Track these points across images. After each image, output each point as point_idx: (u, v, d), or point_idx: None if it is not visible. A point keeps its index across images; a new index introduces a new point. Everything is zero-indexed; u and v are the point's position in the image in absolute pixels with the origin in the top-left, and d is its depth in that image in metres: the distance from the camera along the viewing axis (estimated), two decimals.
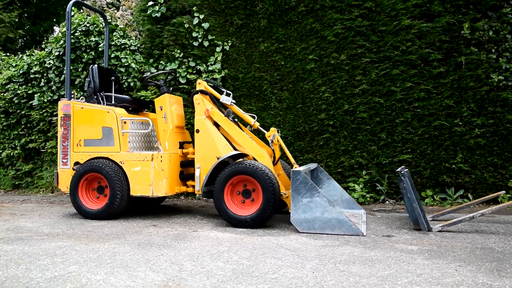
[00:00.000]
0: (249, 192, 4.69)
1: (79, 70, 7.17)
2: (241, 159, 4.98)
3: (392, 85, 6.15)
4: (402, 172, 4.45)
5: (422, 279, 2.84)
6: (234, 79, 6.64)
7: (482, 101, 6.01)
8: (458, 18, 5.99)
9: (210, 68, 6.63)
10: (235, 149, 4.95)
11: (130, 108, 5.53)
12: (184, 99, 6.73)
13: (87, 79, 5.59)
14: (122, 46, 7.08)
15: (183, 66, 6.78)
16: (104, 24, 6.30)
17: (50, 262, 3.19)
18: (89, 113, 5.21)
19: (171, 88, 5.97)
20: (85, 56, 7.07)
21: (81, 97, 5.41)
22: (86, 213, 5.01)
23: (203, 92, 5.19)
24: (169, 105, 5.30)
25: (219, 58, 6.62)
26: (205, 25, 6.67)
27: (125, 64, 6.99)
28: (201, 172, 5.01)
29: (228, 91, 5.28)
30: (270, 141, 5.03)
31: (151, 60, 7.05)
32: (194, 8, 6.72)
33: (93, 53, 7.06)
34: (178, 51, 6.79)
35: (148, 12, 6.89)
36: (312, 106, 6.41)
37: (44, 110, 7.41)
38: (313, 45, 6.37)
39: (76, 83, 7.18)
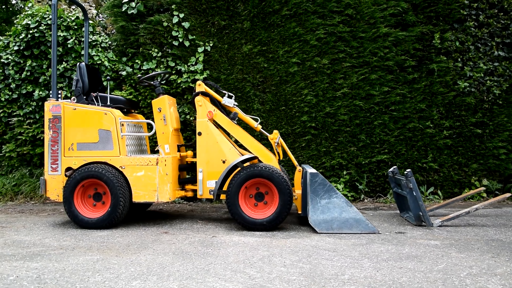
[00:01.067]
0: (262, 195, 4.68)
1: (44, 67, 6.59)
2: (248, 163, 4.95)
3: (371, 89, 6.49)
4: (408, 173, 4.74)
5: (476, 271, 3.09)
6: (216, 81, 6.55)
7: (449, 105, 6.57)
8: (429, 28, 6.48)
9: (192, 68, 6.47)
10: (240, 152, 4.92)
11: (125, 110, 5.23)
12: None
13: (74, 77, 5.19)
14: (93, 43, 6.64)
15: (161, 66, 6.54)
16: (84, 18, 5.84)
17: (102, 278, 2.95)
18: (83, 115, 4.84)
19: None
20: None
21: (73, 98, 5.00)
22: (84, 223, 4.65)
23: (204, 93, 5.08)
24: (168, 107, 5.10)
25: (200, 59, 6.49)
26: (186, 25, 6.49)
27: (98, 62, 6.57)
28: (204, 176, 4.91)
29: (230, 93, 5.22)
30: (275, 144, 5.06)
31: (124, 59, 6.70)
32: (173, 7, 6.51)
33: (60, 49, 6.53)
34: (156, 50, 6.54)
35: (124, 9, 6.54)
36: (295, 109, 6.54)
37: (1, 110, 6.70)
38: (296, 48, 6.50)
39: (40, 80, 6.59)
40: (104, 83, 6.19)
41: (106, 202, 4.74)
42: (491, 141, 6.58)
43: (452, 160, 6.62)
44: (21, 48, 6.56)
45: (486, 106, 6.57)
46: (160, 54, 6.54)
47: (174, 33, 6.48)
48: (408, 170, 4.78)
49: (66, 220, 5.17)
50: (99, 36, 6.75)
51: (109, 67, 6.62)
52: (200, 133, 4.96)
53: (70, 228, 4.71)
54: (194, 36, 6.52)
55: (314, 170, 4.66)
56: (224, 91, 5.22)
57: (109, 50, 6.76)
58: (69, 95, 6.54)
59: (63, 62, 6.56)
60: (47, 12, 6.60)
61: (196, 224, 4.95)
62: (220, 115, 5.03)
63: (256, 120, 5.19)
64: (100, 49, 6.64)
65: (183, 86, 6.49)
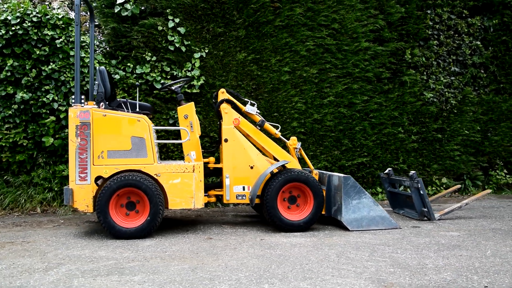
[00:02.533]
0: (294, 198, 4.98)
1: (27, 67, 6.10)
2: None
3: (353, 98, 7.10)
4: (412, 174, 5.38)
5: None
6: (211, 87, 6.65)
7: (417, 113, 7.45)
8: (402, 44, 7.29)
9: (189, 74, 6.49)
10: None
11: (151, 116, 5.14)
12: (157, 105, 6.45)
13: (95, 82, 4.96)
14: (82, 44, 6.32)
15: (156, 71, 6.46)
16: (89, 19, 5.55)
17: (229, 285, 3.05)
18: (114, 122, 4.68)
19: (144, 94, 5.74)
20: (37, 52, 6.06)
21: (102, 104, 4.78)
22: (122, 233, 4.51)
23: (228, 101, 5.22)
24: (195, 114, 5.15)
25: (197, 64, 6.53)
26: (181, 30, 6.49)
27: (88, 64, 6.27)
28: (231, 181, 5.06)
29: (253, 101, 5.42)
30: (297, 149, 5.37)
31: (113, 61, 6.48)
32: (168, 11, 6.47)
33: (46, 49, 6.09)
34: (150, 54, 6.44)
35: (116, 10, 6.33)
36: (286, 115, 6.90)
37: None
38: (287, 58, 6.86)
39: (22, 82, 6.08)
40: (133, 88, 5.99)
41: (141, 211, 4.65)
42: (448, 145, 7.59)
43: (418, 161, 7.51)
44: (0, 46, 6.01)
45: (445, 114, 7.57)
46: (154, 58, 6.45)
47: (170, 38, 6.44)
48: (413, 172, 5.42)
49: (84, 231, 4.94)
50: (89, 37, 6.43)
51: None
52: (226, 140, 5.10)
53: (103, 239, 4.54)
54: (189, 42, 6.55)
55: (341, 174, 5.09)
56: (245, 99, 5.41)
57: (97, 52, 6.47)
58: (56, 98, 6.15)
59: (50, 63, 6.14)
60: (30, 9, 6.12)
61: (225, 228, 5.06)
62: (245, 122, 5.22)
63: (276, 128, 5.45)
64: (89, 51, 6.34)
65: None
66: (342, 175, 4.97)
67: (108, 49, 6.56)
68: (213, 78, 6.66)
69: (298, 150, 5.39)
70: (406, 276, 3.21)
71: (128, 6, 6.30)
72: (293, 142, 5.42)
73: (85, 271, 3.41)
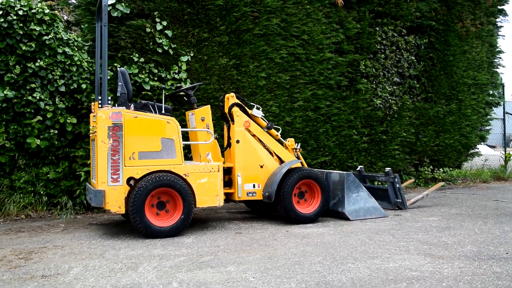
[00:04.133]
0: (302, 194, 5.53)
1: (10, 63, 5.71)
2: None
3: (318, 103, 7.86)
4: (388, 171, 6.27)
5: (499, 232, 4.78)
6: (195, 90, 6.87)
7: (367, 117, 8.47)
8: (357, 56, 8.25)
9: (177, 76, 6.65)
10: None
11: None
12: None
13: (119, 83, 4.95)
14: (68, 41, 6.10)
15: (144, 72, 6.51)
16: (96, 17, 5.40)
17: (322, 262, 3.50)
18: (145, 123, 4.77)
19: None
20: (22, 47, 5.72)
21: (131, 105, 4.78)
22: (157, 232, 4.63)
23: (238, 105, 5.59)
24: (210, 117, 5.41)
25: (183, 67, 6.71)
26: (169, 33, 6.62)
27: (78, 63, 6.09)
28: (242, 180, 5.45)
29: (258, 105, 5.83)
30: (296, 149, 5.93)
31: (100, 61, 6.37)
32: (156, 13, 6.56)
33: (33, 45, 5.78)
34: (137, 55, 6.46)
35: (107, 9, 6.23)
36: None
37: None
38: (264, 64, 7.37)
39: (5, 79, 5.68)
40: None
41: (171, 211, 4.82)
42: (390, 145, 8.75)
43: (367, 159, 8.54)
44: None
45: (388, 119, 8.72)
46: (142, 59, 6.48)
47: (158, 40, 6.53)
48: (389, 169, 6.34)
49: (102, 233, 4.92)
50: (76, 36, 6.22)
51: (87, 69, 6.20)
52: (238, 141, 5.47)
53: (136, 239, 4.62)
54: (176, 45, 6.71)
55: (339, 171, 5.77)
56: (251, 103, 5.82)
57: (83, 51, 6.30)
58: (42, 97, 5.87)
59: (38, 60, 5.84)
60: (13, 1, 5.75)
61: (239, 224, 5.43)
62: (254, 125, 5.63)
63: (277, 130, 5.91)
64: (75, 49, 6.15)
65: (166, 94, 6.60)
66: (342, 172, 5.66)
67: (92, 48, 6.40)
68: (198, 81, 6.89)
69: (297, 150, 5.96)
70: (443, 250, 3.98)
71: (119, 6, 6.25)
72: (291, 143, 5.97)
73: (172, 267, 3.59)
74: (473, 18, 9.67)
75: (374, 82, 8.51)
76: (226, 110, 5.60)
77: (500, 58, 10.23)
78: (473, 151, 10.12)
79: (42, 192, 5.93)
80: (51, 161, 6.16)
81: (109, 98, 4.82)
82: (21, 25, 5.72)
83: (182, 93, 5.66)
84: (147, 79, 6.46)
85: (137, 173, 4.70)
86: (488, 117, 10.24)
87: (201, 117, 5.37)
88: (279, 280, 3.22)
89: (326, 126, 7.96)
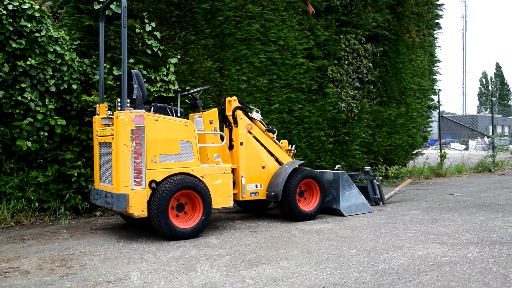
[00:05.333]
0: (302, 192, 5.86)
1: None
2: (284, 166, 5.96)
3: (292, 105, 8.25)
4: (368, 170, 6.83)
5: (479, 221, 5.48)
6: (182, 91, 6.91)
7: (333, 120, 9.02)
8: (325, 62, 8.75)
9: (165, 78, 6.64)
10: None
11: None
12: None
13: (134, 85, 4.88)
14: (56, 39, 5.84)
15: None
16: (122, 13, 5.19)
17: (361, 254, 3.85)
18: (165, 126, 4.78)
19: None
20: (12, 44, 5.39)
21: (152, 108, 4.74)
22: (180, 234, 4.68)
23: (241, 108, 5.78)
24: (217, 120, 5.54)
25: (172, 69, 6.72)
26: (158, 34, 6.59)
27: (69, 62, 5.86)
28: (246, 180, 5.67)
29: (257, 109, 6.05)
30: (291, 151, 6.25)
31: (86, 60, 6.18)
32: (145, 14, 6.50)
33: (23, 42, 5.46)
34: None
35: (97, 8, 6.06)
36: None
37: None
38: (245, 68, 7.58)
39: None
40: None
41: (190, 212, 4.90)
42: (352, 145, 9.39)
43: (332, 159, 9.10)
44: None
45: (350, 121, 9.35)
46: (132, 60, 6.39)
47: (148, 41, 6.48)
48: (368, 168, 6.89)
49: (118, 237, 4.86)
50: (66, 34, 5.96)
51: (78, 69, 5.99)
52: (242, 143, 5.67)
53: (159, 241, 4.64)
54: (164, 47, 6.70)
55: (333, 171, 6.18)
56: (251, 107, 6.02)
57: (72, 50, 6.06)
58: (33, 97, 5.58)
59: (29, 59, 5.54)
60: None
61: (245, 223, 5.62)
62: (255, 127, 5.85)
63: (273, 133, 6.15)
64: (65, 48, 5.91)
65: (155, 95, 6.57)
66: (337, 171, 6.08)
67: (80, 47, 6.18)
68: (184, 83, 6.93)
69: (292, 151, 6.28)
70: (449, 238, 4.53)
71: (112, 6, 6.11)
72: (285, 144, 6.29)
73: (227, 265, 3.72)
74: (417, 30, 10.68)
75: (339, 87, 9.09)
76: (229, 113, 5.75)
77: (438, 66, 11.38)
78: (418, 150, 11.16)
79: (32, 197, 5.63)
80: (39, 164, 5.86)
81: (119, 100, 4.76)
82: (11, 20, 5.40)
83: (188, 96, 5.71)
84: None
85: (159, 176, 4.71)
86: (429, 119, 11.35)
87: (209, 120, 5.48)
88: (339, 271, 3.51)
89: (299, 128, 8.36)
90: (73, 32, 6.25)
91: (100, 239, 4.78)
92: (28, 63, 5.50)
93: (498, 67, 70.04)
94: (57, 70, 5.79)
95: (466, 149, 24.17)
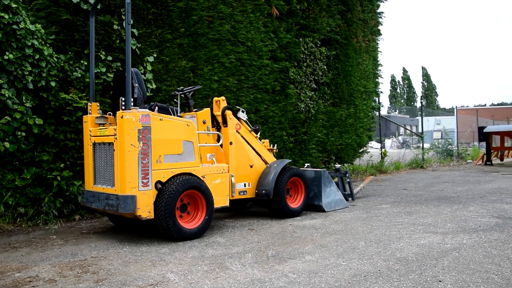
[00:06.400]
0: (288, 190, 6.06)
1: None
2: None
3: (259, 106, 8.42)
4: (339, 167, 7.22)
5: (447, 212, 6.06)
6: (158, 90, 6.79)
7: (293, 120, 9.34)
8: (287, 64, 9.03)
9: (143, 77, 6.48)
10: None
11: None
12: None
13: (135, 84, 4.73)
14: (35, 34, 5.47)
15: (111, 70, 6.21)
16: (125, 10, 4.64)
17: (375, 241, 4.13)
18: (169, 126, 4.72)
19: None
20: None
21: (156, 107, 4.61)
22: (187, 234, 4.65)
23: (229, 108, 5.85)
24: (210, 119, 5.55)
25: (149, 68, 6.59)
26: (135, 32, 6.43)
27: (47, 58, 5.51)
28: (235, 179, 5.76)
29: (243, 109, 6.13)
30: (274, 150, 6.43)
31: (62, 56, 5.86)
32: (122, 10, 6.31)
33: (0, 35, 5.05)
34: (104, 52, 6.14)
35: (76, 1, 5.77)
36: None
37: None
38: (216, 68, 7.62)
39: None
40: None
41: (193, 212, 4.89)
42: (309, 145, 9.78)
43: (292, 158, 9.40)
44: None
45: (308, 121, 9.73)
46: (110, 58, 6.17)
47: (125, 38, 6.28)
48: (339, 165, 7.28)
49: (119, 240, 4.72)
50: (41, 27, 5.57)
51: (56, 65, 5.65)
52: (231, 143, 5.74)
53: (166, 243, 4.58)
54: (140, 45, 6.54)
55: (314, 169, 6.46)
56: (237, 107, 6.10)
57: (47, 45, 5.70)
58: (10, 94, 5.18)
59: (6, 53, 5.13)
60: None
61: (238, 222, 5.70)
62: (242, 127, 5.95)
63: (257, 132, 6.25)
64: (42, 42, 5.56)
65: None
66: (318, 169, 6.36)
67: (56, 42, 5.83)
68: (160, 82, 6.81)
69: (274, 150, 6.46)
70: (435, 228, 4.98)
71: (92, 0, 5.85)
72: (267, 144, 6.45)
73: (257, 262, 3.81)
74: (363, 35, 11.36)
75: (298, 88, 9.43)
76: (217, 113, 5.78)
77: (380, 70, 12.20)
78: (364, 149, 11.87)
79: (10, 202, 5.23)
80: (14, 167, 5.46)
81: (126, 100, 4.62)
82: (2, 14, 4.98)
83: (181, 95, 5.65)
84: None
85: (164, 176, 4.64)
86: (373, 120, 12.12)
87: (202, 120, 5.47)
88: (365, 261, 3.76)
89: (264, 127, 8.55)
90: (48, 26, 5.87)
91: (100, 243, 4.60)
92: (5, 57, 5.10)
93: (404, 71, 75.92)
94: (35, 66, 5.44)
95: (383, 147, 25.89)
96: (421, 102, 14.35)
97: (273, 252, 4.13)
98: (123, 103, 4.52)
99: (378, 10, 12.30)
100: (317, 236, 4.77)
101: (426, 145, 17.44)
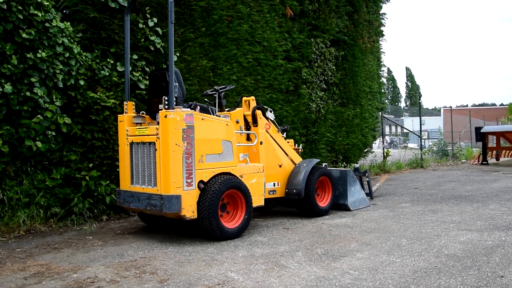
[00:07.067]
0: (316, 189, 6.09)
1: (7, 53, 4.80)
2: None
3: (274, 106, 8.44)
4: (358, 167, 7.29)
5: (469, 210, 6.17)
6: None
7: (305, 120, 9.38)
8: (300, 64, 9.08)
9: None
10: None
11: None
12: (138, 106, 6.19)
13: (175, 83, 4.70)
14: (62, 31, 5.39)
15: (137, 69, 6.16)
16: (169, 9, 4.57)
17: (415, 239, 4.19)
18: (210, 125, 4.70)
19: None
20: (22, 34, 4.87)
21: (197, 107, 4.59)
22: (228, 234, 4.64)
23: (259, 108, 5.86)
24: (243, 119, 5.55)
25: None
26: (159, 30, 6.39)
27: (77, 56, 5.44)
28: (265, 178, 5.77)
29: (271, 108, 6.14)
30: (299, 149, 6.46)
31: (89, 55, 5.79)
32: (147, 9, 6.26)
33: (32, 32, 4.95)
34: (129, 51, 6.08)
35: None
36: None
37: None
38: (235, 68, 7.62)
39: (2, 70, 4.75)
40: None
41: (232, 212, 4.89)
42: (319, 144, 9.84)
43: (302, 158, 9.43)
44: None
45: (318, 121, 9.79)
46: (136, 56, 6.12)
47: (151, 37, 6.25)
48: (357, 165, 7.35)
49: (158, 240, 4.69)
50: (70, 25, 5.49)
51: (84, 64, 5.58)
52: (261, 142, 5.75)
53: (206, 242, 4.57)
54: (164, 44, 6.50)
55: (342, 169, 6.51)
56: (265, 107, 6.12)
57: (76, 43, 5.62)
58: (41, 93, 5.10)
59: (39, 51, 5.04)
60: None
61: (269, 221, 5.71)
62: (272, 127, 5.97)
63: (284, 132, 6.28)
64: (72, 41, 5.48)
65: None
66: (344, 169, 6.42)
67: (83, 40, 5.75)
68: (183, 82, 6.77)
69: (299, 150, 6.49)
70: (467, 226, 5.08)
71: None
72: (292, 144, 6.48)
73: (312, 259, 3.84)
74: (368, 36, 11.48)
75: (310, 88, 9.48)
76: (247, 112, 5.78)
77: (383, 71, 12.34)
78: (368, 149, 11.99)
79: (42, 203, 5.15)
80: (44, 166, 5.37)
81: (169, 100, 4.59)
82: (20, 8, 4.89)
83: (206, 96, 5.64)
84: (141, 78, 6.13)
85: (206, 176, 4.63)
86: (377, 120, 12.26)
87: (236, 120, 5.47)
88: (417, 257, 3.82)
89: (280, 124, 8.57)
90: (75, 24, 5.80)
91: (141, 243, 4.56)
92: (38, 55, 5.02)
93: (389, 71, 76.62)
94: (65, 64, 5.36)
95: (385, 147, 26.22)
96: (419, 103, 14.45)
97: (321, 250, 4.16)
98: (166, 102, 4.49)
99: (381, 12, 12.44)
100: (355, 234, 4.82)
101: (418, 145, 17.70)
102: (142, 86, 6.13)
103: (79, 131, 5.64)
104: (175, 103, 4.53)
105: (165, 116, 4.40)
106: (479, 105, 78.40)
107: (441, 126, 27.70)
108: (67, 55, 5.35)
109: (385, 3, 12.47)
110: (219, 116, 5.05)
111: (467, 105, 76.07)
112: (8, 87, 4.77)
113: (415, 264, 3.65)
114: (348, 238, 4.63)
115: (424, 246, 4.22)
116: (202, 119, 4.66)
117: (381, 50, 12.40)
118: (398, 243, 4.35)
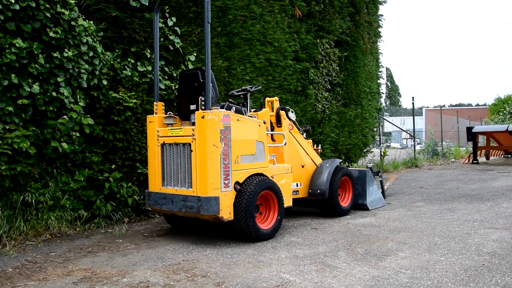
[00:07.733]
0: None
1: (35, 52, 4.68)
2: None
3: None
4: (371, 167, 7.36)
5: (484, 209, 6.31)
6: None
7: (311, 120, 9.42)
8: (307, 65, 9.11)
9: None
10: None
11: None
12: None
13: (210, 84, 4.65)
14: (85, 30, 5.28)
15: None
16: (205, 8, 4.50)
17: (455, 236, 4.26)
18: (244, 126, 4.68)
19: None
20: (50, 33, 4.76)
21: (233, 108, 4.55)
22: (263, 235, 4.63)
23: (283, 109, 5.87)
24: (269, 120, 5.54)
25: (190, 67, 6.49)
26: (178, 30, 6.32)
27: (101, 56, 5.34)
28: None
29: (292, 109, 6.15)
30: (318, 150, 6.49)
31: (109, 54, 5.69)
32: (166, 8, 6.19)
33: (59, 31, 4.84)
34: (149, 50, 6.01)
35: None
36: None
37: None
38: (248, 68, 7.60)
39: (30, 70, 4.63)
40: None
41: (265, 212, 4.88)
42: (324, 145, 9.89)
43: None
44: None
45: (323, 121, 9.84)
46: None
47: (170, 37, 6.19)
48: (371, 165, 7.42)
49: (190, 242, 4.64)
50: (93, 24, 5.38)
51: (107, 63, 5.48)
52: (285, 143, 5.75)
53: (239, 241, 4.55)
54: (182, 43, 6.44)
55: (360, 169, 6.56)
56: (287, 107, 6.12)
57: (98, 43, 5.51)
58: (67, 93, 4.98)
59: (65, 50, 4.93)
60: None
61: (296, 221, 5.72)
62: (294, 128, 5.98)
63: (306, 132, 6.30)
64: (95, 40, 5.38)
65: (176, 93, 6.30)
66: (362, 169, 6.47)
67: (104, 39, 5.64)
68: None
69: (319, 150, 6.52)
70: (490, 224, 5.19)
71: None
72: (310, 144, 6.50)
73: (357, 259, 3.86)
74: (368, 37, 11.60)
75: (316, 88, 9.52)
76: (271, 113, 5.78)
77: (381, 71, 12.49)
78: (368, 148, 12.11)
79: (67, 206, 5.03)
80: (67, 168, 5.26)
81: (205, 100, 4.55)
82: (48, 6, 4.77)
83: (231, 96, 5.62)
84: (160, 78, 6.06)
85: (241, 177, 4.61)
86: (376, 120, 12.39)
87: (263, 120, 5.44)
88: (460, 255, 3.88)
89: None
90: (96, 22, 5.68)
91: (175, 246, 4.51)
92: (65, 54, 4.91)
93: (388, 71, 77.48)
94: (90, 64, 5.26)
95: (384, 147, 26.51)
96: (412, 103, 14.56)
97: (361, 250, 4.19)
98: (203, 103, 4.45)
99: (379, 12, 12.59)
100: (386, 233, 4.86)
101: (400, 145, 17.98)
102: (162, 86, 6.05)
103: (101, 131, 5.53)
104: (211, 103, 4.50)
105: (202, 117, 4.36)
106: (456, 105, 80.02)
107: (423, 126, 28.22)
108: (91, 54, 5.25)
109: (383, 4, 12.62)
110: (251, 117, 5.03)
111: (444, 105, 77.63)
112: (36, 87, 4.65)
113: (462, 262, 3.71)
114: (381, 238, 4.67)
115: (461, 245, 4.29)
116: (238, 119, 4.63)
117: (379, 51, 12.55)
118: (433, 242, 4.41)
